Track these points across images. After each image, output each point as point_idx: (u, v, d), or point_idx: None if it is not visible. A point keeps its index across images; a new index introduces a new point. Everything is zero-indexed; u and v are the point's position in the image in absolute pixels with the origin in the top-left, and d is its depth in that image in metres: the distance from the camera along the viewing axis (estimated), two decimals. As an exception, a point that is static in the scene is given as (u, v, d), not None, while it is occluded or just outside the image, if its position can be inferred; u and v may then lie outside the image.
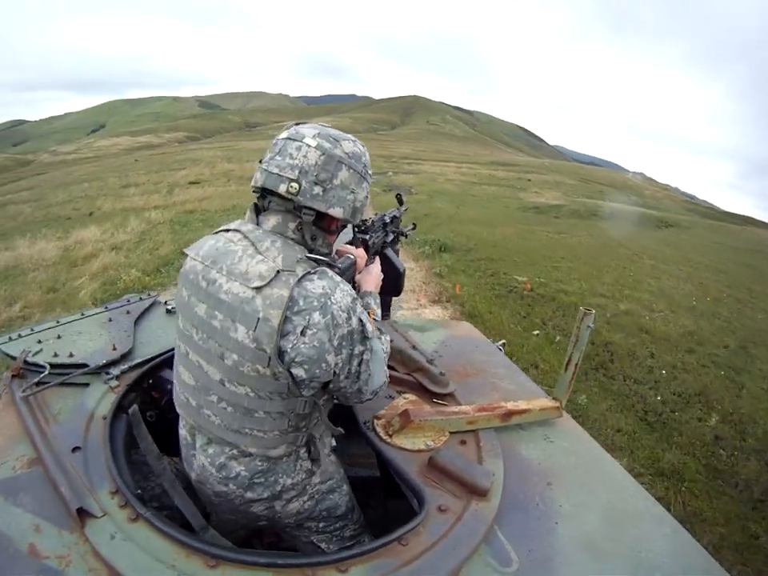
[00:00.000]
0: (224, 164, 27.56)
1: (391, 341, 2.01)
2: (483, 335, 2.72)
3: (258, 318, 1.23)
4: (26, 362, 1.80)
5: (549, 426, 1.91)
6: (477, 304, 7.65)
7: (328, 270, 1.34)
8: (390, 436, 1.72)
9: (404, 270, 2.06)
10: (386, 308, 2.13)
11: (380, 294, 1.75)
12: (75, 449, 1.46)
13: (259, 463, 1.41)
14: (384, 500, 1.83)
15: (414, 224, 2.29)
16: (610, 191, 36.45)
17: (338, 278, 1.34)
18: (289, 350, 1.25)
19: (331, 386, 1.37)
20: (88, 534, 1.20)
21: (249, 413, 1.34)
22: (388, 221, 2.05)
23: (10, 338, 1.97)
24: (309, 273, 1.28)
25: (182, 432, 1.52)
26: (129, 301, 2.44)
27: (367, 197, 1.47)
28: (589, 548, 1.37)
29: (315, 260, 1.34)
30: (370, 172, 1.47)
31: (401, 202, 2.21)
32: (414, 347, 2.14)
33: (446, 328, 2.70)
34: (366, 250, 1.80)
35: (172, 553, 1.18)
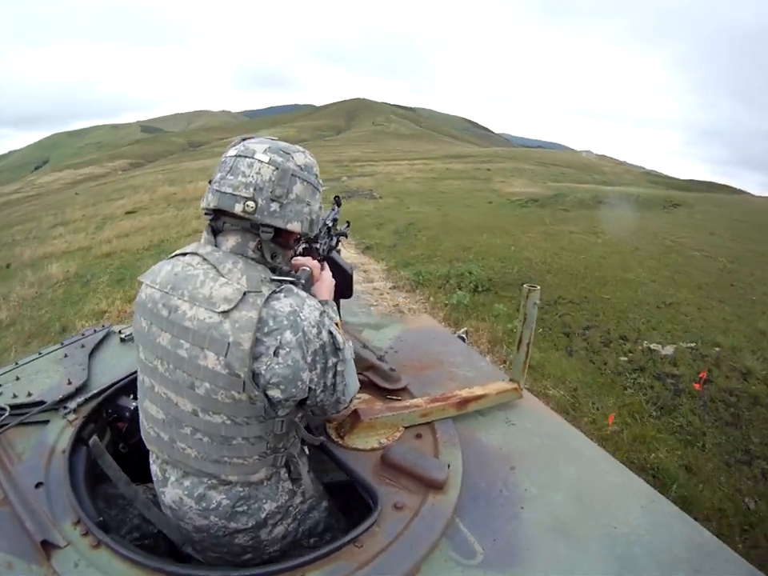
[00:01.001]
0: (165, 187, 26.21)
1: None
2: (441, 326, 2.73)
3: (229, 343, 1.20)
4: None
5: (509, 409, 1.92)
6: (666, 463, 4.05)
7: (293, 287, 1.33)
8: (342, 438, 1.72)
9: (352, 271, 2.08)
10: (336, 310, 2.15)
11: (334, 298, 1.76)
12: (38, 484, 1.47)
13: (240, 489, 1.37)
14: (352, 507, 1.84)
15: (348, 222, 2.31)
16: (573, 172, 36.02)
17: (304, 294, 1.33)
18: (263, 371, 1.22)
19: (308, 401, 1.35)
20: (54, 564, 1.22)
21: (226, 441, 1.30)
22: (330, 224, 2.05)
23: None
24: (275, 292, 1.26)
25: (153, 468, 1.47)
26: (83, 335, 2.43)
27: (321, 207, 1.46)
28: (558, 530, 1.36)
29: (279, 280, 1.32)
30: (321, 182, 1.46)
31: (338, 204, 2.23)
32: (364, 346, 2.14)
33: (403, 323, 2.71)
34: (317, 258, 1.79)
35: None
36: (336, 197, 2.29)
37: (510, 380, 1.99)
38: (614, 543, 1.33)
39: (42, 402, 1.82)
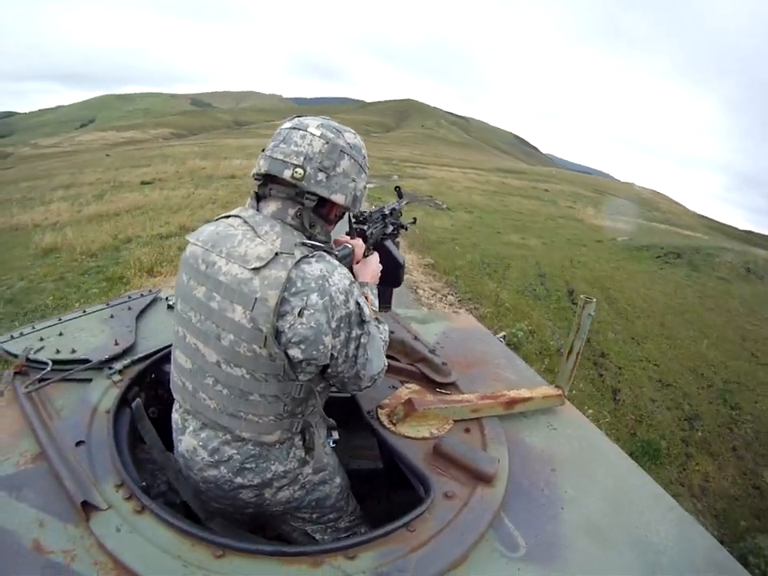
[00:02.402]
0: (195, 161, 25.95)
1: (392, 332, 2.02)
2: (483, 326, 2.73)
3: (256, 299, 1.25)
4: (28, 359, 1.80)
5: (551, 414, 1.94)
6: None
7: (325, 254, 1.35)
8: (394, 425, 1.73)
9: (404, 261, 2.07)
10: (387, 299, 2.14)
11: (380, 285, 1.76)
12: (79, 443, 1.46)
13: (252, 448, 1.41)
14: (387, 492, 1.84)
15: (414, 218, 2.30)
16: (632, 206, 33.99)
17: (336, 262, 1.36)
18: (286, 329, 1.26)
19: (329, 370, 1.38)
20: (93, 527, 1.20)
21: (244, 395, 1.35)
22: (387, 213, 2.06)
23: (12, 336, 1.97)
24: (307, 256, 1.30)
25: (175, 416, 1.53)
26: (130, 297, 2.45)
27: (365, 187, 1.50)
28: (594, 533, 1.39)
29: (312, 246, 1.35)
30: (368, 164, 1.50)
31: (400, 195, 2.23)
32: (415, 338, 2.15)
33: (447, 320, 2.71)
34: (364, 240, 1.80)
35: (178, 543, 1.18)
36: (397, 187, 2.29)
37: (556, 386, 2.00)
38: (644, 551, 1.36)
39: (86, 360, 1.82)
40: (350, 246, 1.64)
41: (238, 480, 1.42)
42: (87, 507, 1.23)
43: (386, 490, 1.74)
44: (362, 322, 1.36)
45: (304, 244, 1.33)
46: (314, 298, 1.26)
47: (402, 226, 2.19)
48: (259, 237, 1.32)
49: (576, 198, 29.74)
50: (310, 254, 1.31)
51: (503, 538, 1.31)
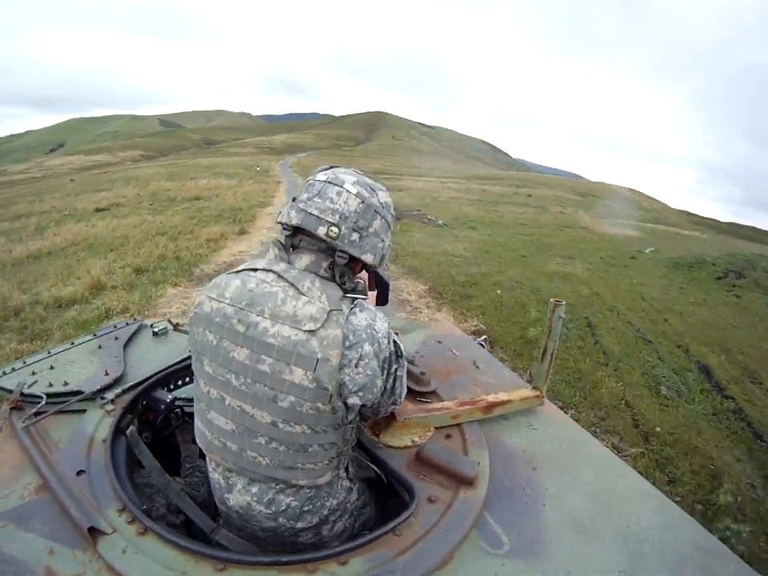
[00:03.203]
0: (161, 182, 24.84)
1: None
2: (462, 332, 2.80)
3: (317, 360, 1.25)
4: (22, 393, 1.84)
5: (531, 415, 1.99)
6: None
7: (362, 302, 1.40)
8: (377, 435, 1.79)
9: (389, 280, 2.13)
10: None
11: None
12: (80, 472, 1.50)
13: (308, 491, 1.43)
14: (384, 499, 1.90)
15: None
16: (617, 207, 33.04)
17: (373, 308, 1.42)
18: (347, 382, 1.29)
19: (368, 404, 1.40)
20: (101, 550, 1.24)
21: (303, 449, 1.35)
22: None
23: (4, 372, 2.01)
24: (351, 308, 1.33)
25: (214, 476, 1.50)
26: (116, 327, 2.49)
27: (390, 245, 1.52)
28: (576, 527, 1.44)
29: (352, 297, 1.38)
30: (394, 221, 1.53)
31: None
32: None
33: (426, 329, 2.77)
34: (371, 276, 1.83)
35: (182, 561, 1.23)
36: None
37: (533, 387, 2.06)
38: (626, 540, 1.41)
39: (79, 392, 1.86)
40: (362, 281, 1.63)
41: (299, 525, 1.43)
42: (94, 532, 1.28)
43: (382, 497, 1.80)
44: (398, 357, 1.43)
45: (345, 297, 1.36)
46: (366, 347, 1.30)
47: None
48: (303, 294, 1.31)
49: (562, 203, 28.98)
50: (353, 305, 1.35)
51: (487, 537, 1.36)
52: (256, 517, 1.43)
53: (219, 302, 1.37)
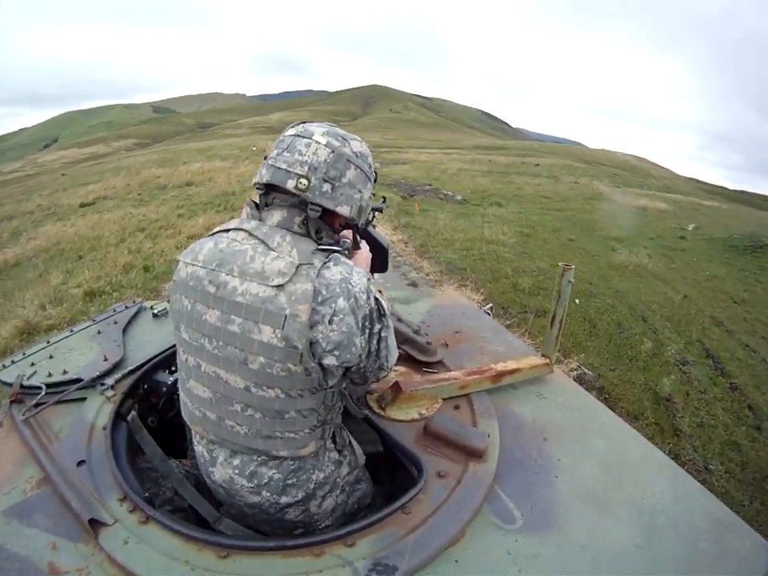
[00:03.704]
0: (152, 170, 23.67)
1: None
2: (468, 300, 2.76)
3: (285, 316, 1.20)
4: (22, 386, 1.81)
5: (541, 383, 1.96)
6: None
7: (339, 255, 1.33)
8: (383, 409, 1.75)
9: (389, 246, 2.09)
10: None
11: (370, 272, 1.75)
12: (80, 462, 1.48)
13: (291, 463, 1.38)
14: (391, 473, 1.87)
15: (383, 197, 2.29)
16: (627, 175, 32.00)
17: (351, 262, 1.34)
18: (320, 339, 1.22)
19: (353, 368, 1.35)
20: (102, 542, 1.22)
21: (279, 415, 1.30)
22: None
23: (3, 366, 1.98)
24: (325, 262, 1.27)
25: (198, 449, 1.47)
26: (115, 311, 2.45)
27: (371, 197, 1.47)
28: (590, 498, 1.41)
29: (326, 249, 1.32)
30: (374, 172, 1.47)
31: (375, 180, 2.23)
32: (399, 320, 2.15)
33: (432, 298, 2.73)
34: (356, 232, 1.78)
35: (184, 549, 1.21)
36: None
37: (542, 355, 2.02)
38: (640, 513, 1.38)
39: (78, 380, 1.84)
40: (348, 240, 1.58)
41: (284, 499, 1.39)
42: (95, 524, 1.26)
43: (389, 471, 1.77)
44: (381, 316, 1.34)
45: (319, 250, 1.30)
46: (341, 302, 1.23)
47: (379, 209, 2.19)
48: (272, 250, 1.26)
49: (572, 171, 28.02)
50: (327, 259, 1.28)
51: (499, 512, 1.33)
52: (240, 492, 1.39)
53: (193, 265, 1.33)
